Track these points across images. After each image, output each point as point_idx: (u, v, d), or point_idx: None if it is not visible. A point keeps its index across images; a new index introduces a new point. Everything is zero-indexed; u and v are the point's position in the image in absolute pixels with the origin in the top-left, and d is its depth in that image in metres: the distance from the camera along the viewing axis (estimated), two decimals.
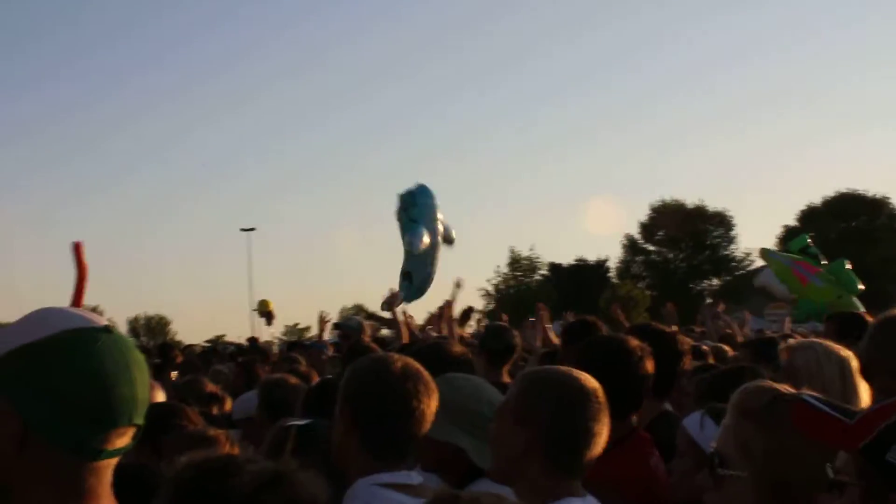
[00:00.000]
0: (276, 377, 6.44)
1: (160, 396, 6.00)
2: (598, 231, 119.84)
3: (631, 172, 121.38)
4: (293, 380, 6.36)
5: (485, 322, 18.08)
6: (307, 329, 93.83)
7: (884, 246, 67.86)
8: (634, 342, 4.76)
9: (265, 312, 18.10)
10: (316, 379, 7.75)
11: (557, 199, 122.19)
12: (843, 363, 4.64)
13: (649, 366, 4.68)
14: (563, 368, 3.59)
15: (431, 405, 3.57)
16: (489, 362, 7.38)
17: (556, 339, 12.14)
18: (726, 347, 9.99)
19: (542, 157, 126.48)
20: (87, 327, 2.18)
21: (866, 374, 4.53)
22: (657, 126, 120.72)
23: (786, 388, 3.05)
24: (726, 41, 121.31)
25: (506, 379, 7.30)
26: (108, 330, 2.20)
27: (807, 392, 2.80)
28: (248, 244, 78.62)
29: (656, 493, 4.32)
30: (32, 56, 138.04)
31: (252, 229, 72.21)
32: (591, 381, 3.48)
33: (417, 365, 3.65)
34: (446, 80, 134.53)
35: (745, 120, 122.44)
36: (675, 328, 15.22)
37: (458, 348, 5.17)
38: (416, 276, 16.60)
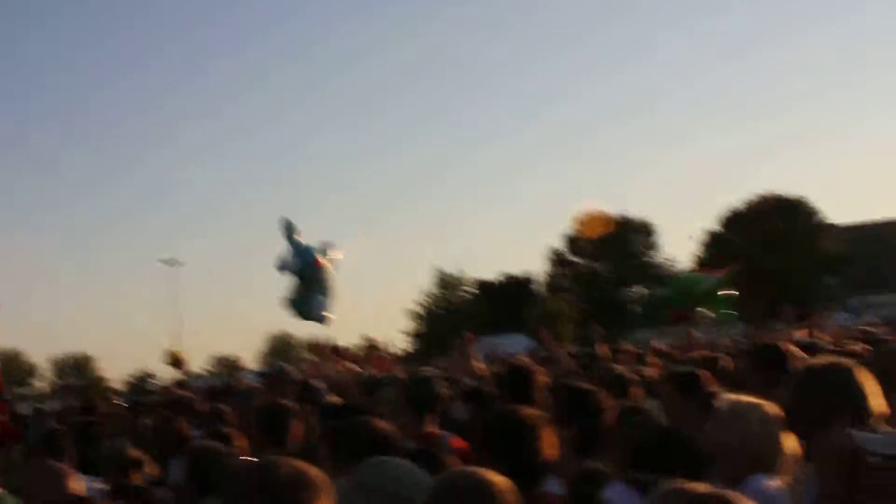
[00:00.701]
0: (202, 447, 6.25)
1: (78, 486, 5.68)
2: (524, 245, 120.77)
3: (555, 185, 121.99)
4: (220, 448, 6.19)
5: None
6: (237, 360, 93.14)
7: (806, 247, 68.84)
8: (533, 414, 4.79)
9: (174, 362, 17.82)
10: (242, 441, 7.64)
11: (484, 215, 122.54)
12: (766, 409, 4.69)
13: (547, 437, 4.71)
14: (477, 472, 3.50)
15: None
16: (413, 413, 7.33)
17: (480, 367, 12.09)
18: (650, 372, 9.95)
19: (465, 171, 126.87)
20: None
21: (791, 422, 4.58)
22: (572, 137, 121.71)
23: (703, 488, 3.00)
24: (637, 50, 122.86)
25: (430, 429, 7.26)
26: None
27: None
28: (173, 276, 77.75)
29: None
30: None
31: (175, 261, 71.66)
32: (503, 484, 3.42)
33: (307, 469, 3.33)
34: (357, 100, 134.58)
35: (665, 127, 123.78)
36: (604, 349, 15.32)
37: (382, 425, 5.09)
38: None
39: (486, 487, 3.37)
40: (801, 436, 4.51)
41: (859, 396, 4.37)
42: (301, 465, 3.35)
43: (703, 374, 7.68)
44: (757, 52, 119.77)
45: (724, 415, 4.74)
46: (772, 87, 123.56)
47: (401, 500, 3.84)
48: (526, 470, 4.56)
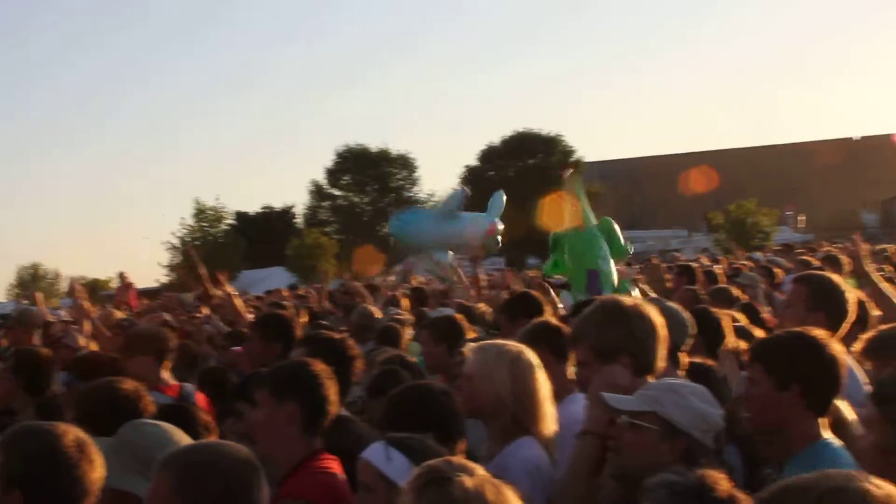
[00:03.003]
0: None
1: None
2: (285, 177, 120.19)
3: (315, 119, 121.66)
4: None
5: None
6: None
7: (558, 181, 70.34)
8: (319, 366, 4.76)
9: None
10: None
11: (242, 149, 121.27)
12: (514, 362, 4.78)
13: (332, 387, 4.71)
14: (221, 444, 3.46)
15: (99, 474, 3.40)
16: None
17: (240, 305, 11.89)
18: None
19: (225, 104, 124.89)
20: None
21: (573, 343, 4.69)
22: (337, 71, 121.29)
23: (453, 462, 3.07)
24: None
25: (172, 382, 7.12)
26: None
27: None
28: None
29: None
30: None
31: None
32: (244, 451, 3.35)
33: (82, 434, 3.44)
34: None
35: (423, 63, 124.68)
36: (366, 289, 15.33)
37: (129, 387, 4.92)
38: None
39: (238, 455, 3.31)
40: (580, 358, 4.61)
41: (646, 339, 4.46)
42: (78, 431, 3.43)
43: (461, 318, 7.74)
44: None
45: (476, 369, 4.82)
46: (535, 27, 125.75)
47: (149, 459, 3.67)
48: (314, 416, 4.62)
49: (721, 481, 2.85)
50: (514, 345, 5.01)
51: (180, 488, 3.17)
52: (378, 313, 10.19)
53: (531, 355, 4.88)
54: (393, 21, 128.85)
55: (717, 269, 14.91)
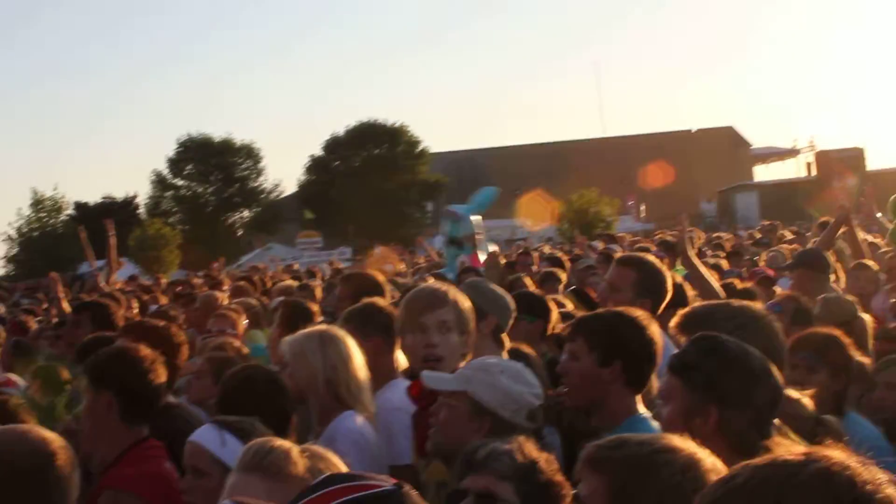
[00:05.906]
0: None
1: None
2: (126, 167, 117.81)
3: (148, 109, 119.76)
4: None
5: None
6: None
7: (403, 172, 70.78)
8: (141, 352, 4.75)
9: None
10: None
11: (81, 137, 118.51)
12: (324, 341, 4.90)
13: (161, 372, 4.72)
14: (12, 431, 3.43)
15: None
16: None
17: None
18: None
19: (63, 91, 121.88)
20: None
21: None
22: (174, 58, 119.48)
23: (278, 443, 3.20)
24: None
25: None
26: None
27: None
28: None
29: (174, 494, 4.22)
30: None
31: None
32: (38, 439, 3.31)
33: None
34: None
35: (268, 52, 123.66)
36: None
37: None
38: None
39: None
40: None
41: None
42: None
43: (313, 305, 7.74)
44: None
45: (290, 354, 4.89)
46: (381, 20, 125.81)
47: None
48: (138, 402, 4.61)
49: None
50: (323, 326, 5.15)
51: None
52: (225, 299, 10.19)
53: (341, 332, 4.97)
54: (235, 8, 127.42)
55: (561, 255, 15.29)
